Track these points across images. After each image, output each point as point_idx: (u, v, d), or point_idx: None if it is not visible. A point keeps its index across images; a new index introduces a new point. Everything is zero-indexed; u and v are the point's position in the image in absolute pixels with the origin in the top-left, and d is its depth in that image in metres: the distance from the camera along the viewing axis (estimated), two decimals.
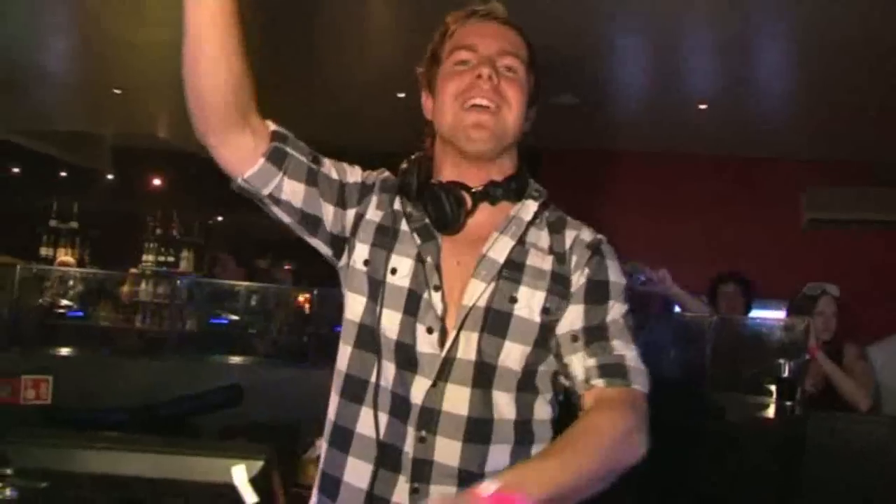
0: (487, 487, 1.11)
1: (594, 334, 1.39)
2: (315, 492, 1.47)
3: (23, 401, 3.36)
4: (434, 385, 1.36)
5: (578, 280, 1.42)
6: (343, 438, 1.41)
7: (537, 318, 1.38)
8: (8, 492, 0.80)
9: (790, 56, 4.93)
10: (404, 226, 1.44)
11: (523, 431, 1.40)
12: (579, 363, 1.38)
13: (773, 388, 3.63)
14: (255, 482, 0.98)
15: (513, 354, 1.38)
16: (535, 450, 1.40)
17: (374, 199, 1.47)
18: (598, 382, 1.36)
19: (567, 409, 1.46)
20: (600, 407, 1.34)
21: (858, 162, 6.61)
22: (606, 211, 5.57)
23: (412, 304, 1.39)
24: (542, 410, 1.43)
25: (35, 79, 6.44)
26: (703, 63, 5.11)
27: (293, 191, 1.40)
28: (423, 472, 1.35)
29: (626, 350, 1.39)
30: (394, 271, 1.40)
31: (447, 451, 1.35)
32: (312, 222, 1.43)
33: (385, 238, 1.43)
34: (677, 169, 7.04)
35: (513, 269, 1.40)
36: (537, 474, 1.19)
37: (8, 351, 3.89)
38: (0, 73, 6.21)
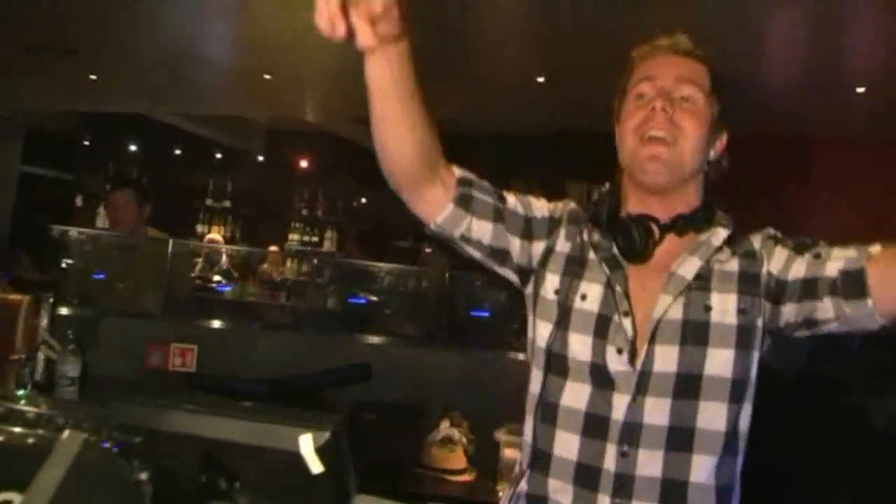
0: None
1: (818, 254, 1.40)
2: None
3: (171, 367, 3.59)
4: (634, 400, 1.40)
5: (772, 254, 1.44)
6: (544, 461, 1.46)
7: (734, 321, 1.40)
8: (106, 444, 0.88)
9: None
10: (592, 255, 1.50)
11: (730, 442, 1.41)
12: (833, 264, 1.37)
13: None
14: (321, 452, 1.01)
15: (717, 361, 1.39)
16: (738, 463, 1.43)
17: (562, 232, 1.54)
18: (874, 249, 1.34)
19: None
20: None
21: None
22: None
23: (602, 328, 1.44)
24: (746, 422, 1.44)
25: (193, 63, 6.77)
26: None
27: (482, 230, 1.50)
28: (625, 487, 1.39)
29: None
30: (584, 297, 1.47)
31: (649, 463, 1.38)
32: (501, 256, 1.54)
33: (574, 267, 1.50)
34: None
35: (701, 281, 1.43)
36: None
37: (160, 320, 4.14)
38: (162, 56, 6.58)
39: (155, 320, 4.19)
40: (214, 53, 6.55)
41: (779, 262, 1.42)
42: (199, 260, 6.10)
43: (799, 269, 1.40)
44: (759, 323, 1.42)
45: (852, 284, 1.32)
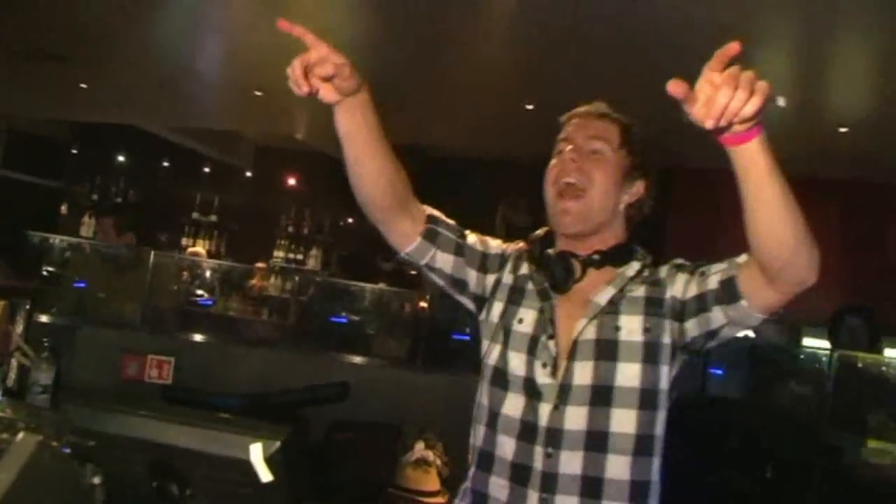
0: None
1: (703, 272, 1.63)
2: None
3: (147, 378, 3.58)
4: (556, 408, 1.63)
5: (674, 280, 1.67)
6: (487, 461, 1.70)
7: (640, 339, 1.64)
8: (62, 448, 0.87)
9: None
10: (530, 286, 1.76)
11: (643, 444, 1.63)
12: (713, 278, 1.59)
13: None
14: (270, 461, 1.02)
15: (627, 374, 1.62)
16: (654, 463, 1.64)
17: (509, 266, 1.81)
18: (741, 259, 1.55)
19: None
20: None
21: None
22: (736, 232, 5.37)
23: (533, 347, 1.69)
24: (661, 427, 1.66)
25: (186, 78, 6.79)
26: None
27: (444, 261, 1.77)
28: (550, 483, 1.61)
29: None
30: (521, 321, 1.73)
31: (570, 462, 1.61)
32: (460, 285, 1.81)
33: (515, 296, 1.76)
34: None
35: (613, 306, 1.67)
36: None
37: (138, 331, 4.13)
38: (155, 71, 6.59)
39: (132, 331, 4.19)
40: (206, 68, 6.56)
41: (679, 286, 1.65)
42: (186, 273, 6.08)
43: (692, 288, 1.63)
44: (666, 340, 1.65)
45: (729, 291, 1.55)
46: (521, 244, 1.84)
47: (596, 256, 1.71)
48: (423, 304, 5.75)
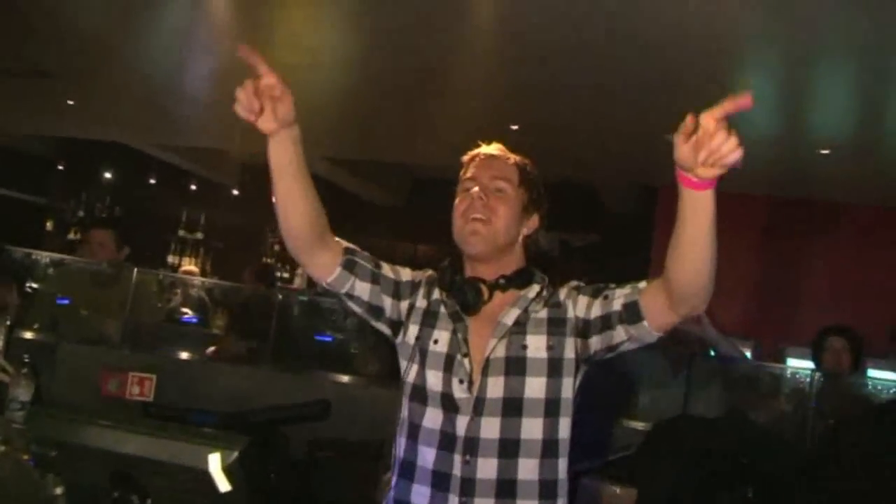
0: None
1: (606, 295, 1.83)
2: None
3: (128, 395, 3.56)
4: (472, 419, 1.79)
5: (576, 302, 1.86)
6: (409, 471, 1.84)
7: (545, 355, 1.82)
8: (25, 457, 0.87)
9: None
10: (442, 309, 1.91)
11: (550, 447, 1.81)
12: (617, 301, 1.79)
13: None
14: (228, 471, 1.03)
15: (534, 387, 1.81)
16: (560, 463, 1.82)
17: (421, 292, 1.96)
18: (642, 285, 1.78)
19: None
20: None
21: None
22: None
23: (449, 365, 1.84)
24: (565, 431, 1.84)
25: (172, 96, 6.81)
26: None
27: (362, 289, 1.91)
28: (468, 488, 1.77)
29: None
30: (436, 342, 1.88)
31: (486, 467, 1.78)
32: (376, 311, 1.94)
33: (429, 319, 1.92)
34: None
35: (520, 326, 1.85)
36: None
37: (119, 348, 4.10)
38: (142, 88, 6.61)
39: (114, 348, 4.16)
40: (193, 86, 6.59)
41: (581, 307, 1.85)
42: (178, 291, 6.05)
43: (596, 309, 1.82)
44: (570, 355, 1.84)
45: (632, 313, 1.76)
46: (429, 272, 2.01)
47: (501, 280, 1.90)
48: None
